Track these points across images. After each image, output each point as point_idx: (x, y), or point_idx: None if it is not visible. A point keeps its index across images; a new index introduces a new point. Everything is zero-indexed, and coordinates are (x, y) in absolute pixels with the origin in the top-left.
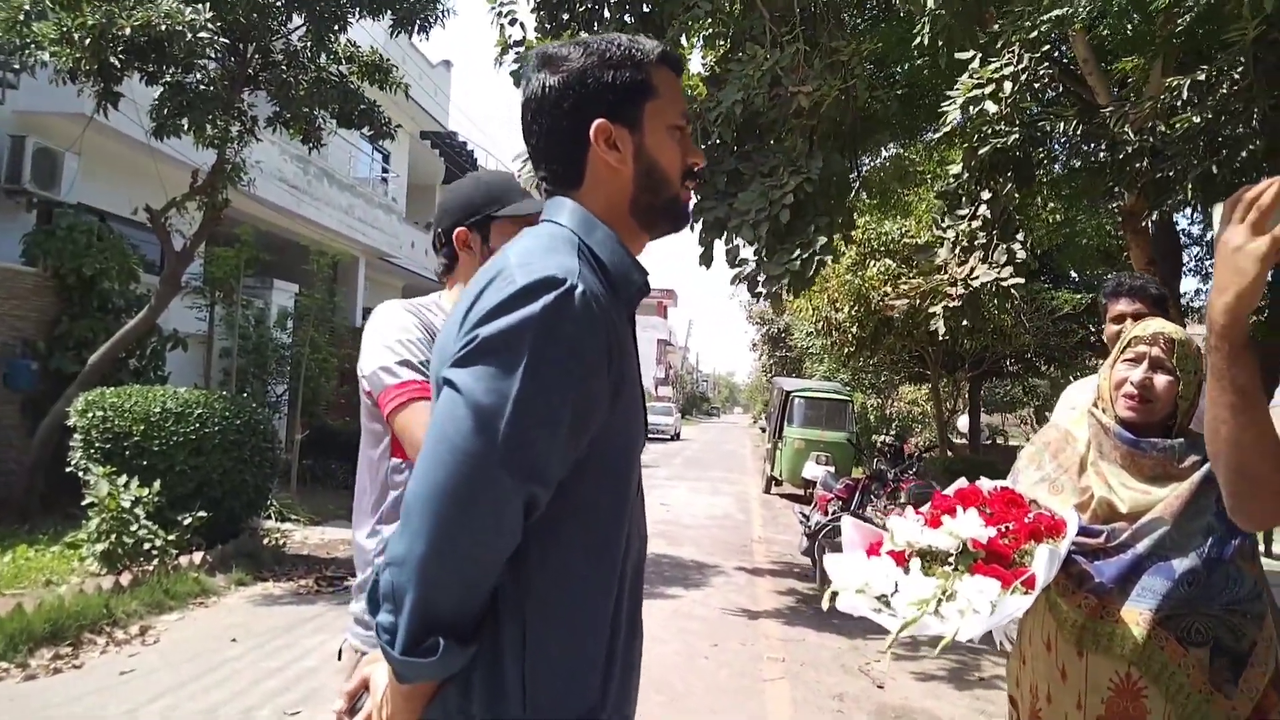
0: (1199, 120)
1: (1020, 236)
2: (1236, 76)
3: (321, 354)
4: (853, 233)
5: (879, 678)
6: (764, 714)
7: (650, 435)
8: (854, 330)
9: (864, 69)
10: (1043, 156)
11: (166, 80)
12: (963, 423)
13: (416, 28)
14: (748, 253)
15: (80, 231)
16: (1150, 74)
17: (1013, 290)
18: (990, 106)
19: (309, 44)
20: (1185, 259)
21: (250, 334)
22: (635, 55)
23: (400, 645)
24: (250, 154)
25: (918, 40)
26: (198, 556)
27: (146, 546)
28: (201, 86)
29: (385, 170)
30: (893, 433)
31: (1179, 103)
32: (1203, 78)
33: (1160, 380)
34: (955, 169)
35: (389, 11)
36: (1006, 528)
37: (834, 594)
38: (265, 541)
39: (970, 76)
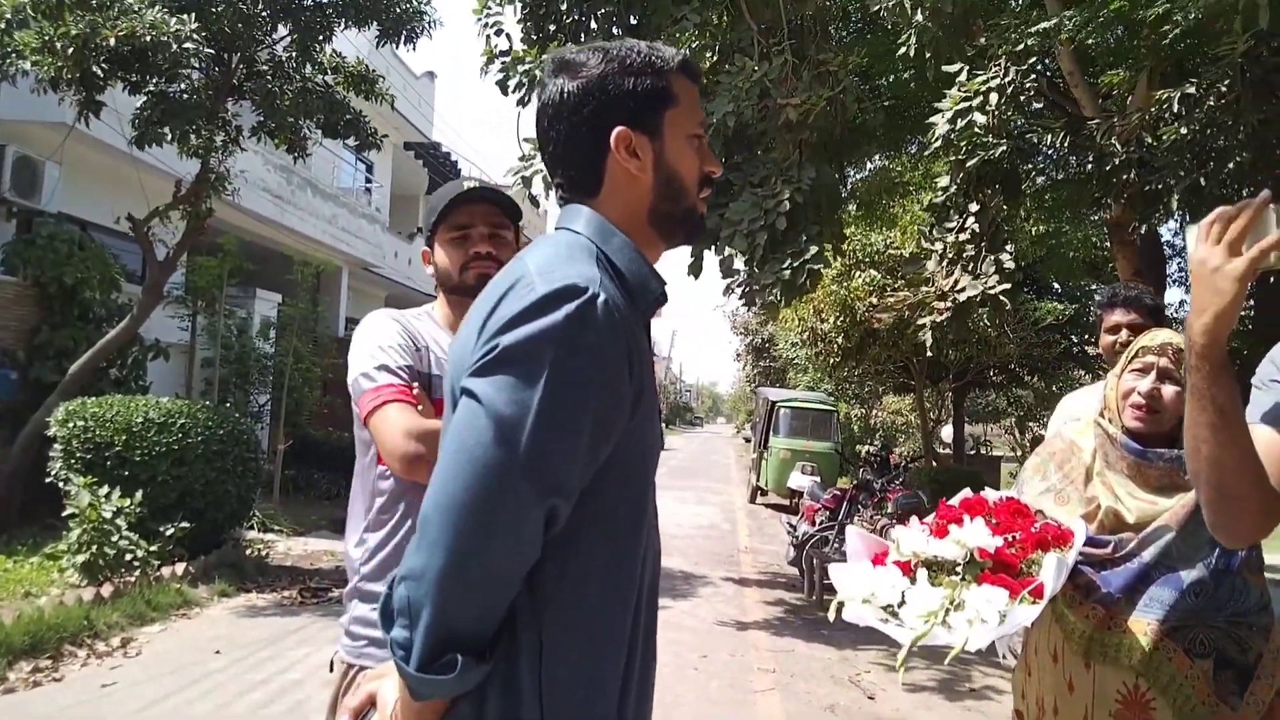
0: (1187, 133)
1: (1009, 248)
2: (1224, 90)
3: (304, 364)
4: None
5: (870, 689)
6: None
7: None
8: (839, 340)
9: (851, 81)
10: (1030, 169)
11: (150, 89)
12: (946, 433)
13: (403, 38)
14: (739, 263)
15: (61, 240)
16: (1136, 86)
17: (1002, 298)
18: (978, 118)
19: (294, 54)
20: (1170, 270)
21: (233, 344)
22: (656, 62)
23: (416, 661)
24: (234, 163)
25: (903, 52)
26: (180, 567)
27: (128, 557)
28: (185, 96)
29: (369, 181)
30: (877, 443)
31: (1167, 115)
32: (1192, 91)
33: (1168, 391)
34: (943, 181)
35: (375, 22)
36: (1013, 537)
37: (840, 604)
38: (248, 552)
39: (958, 89)
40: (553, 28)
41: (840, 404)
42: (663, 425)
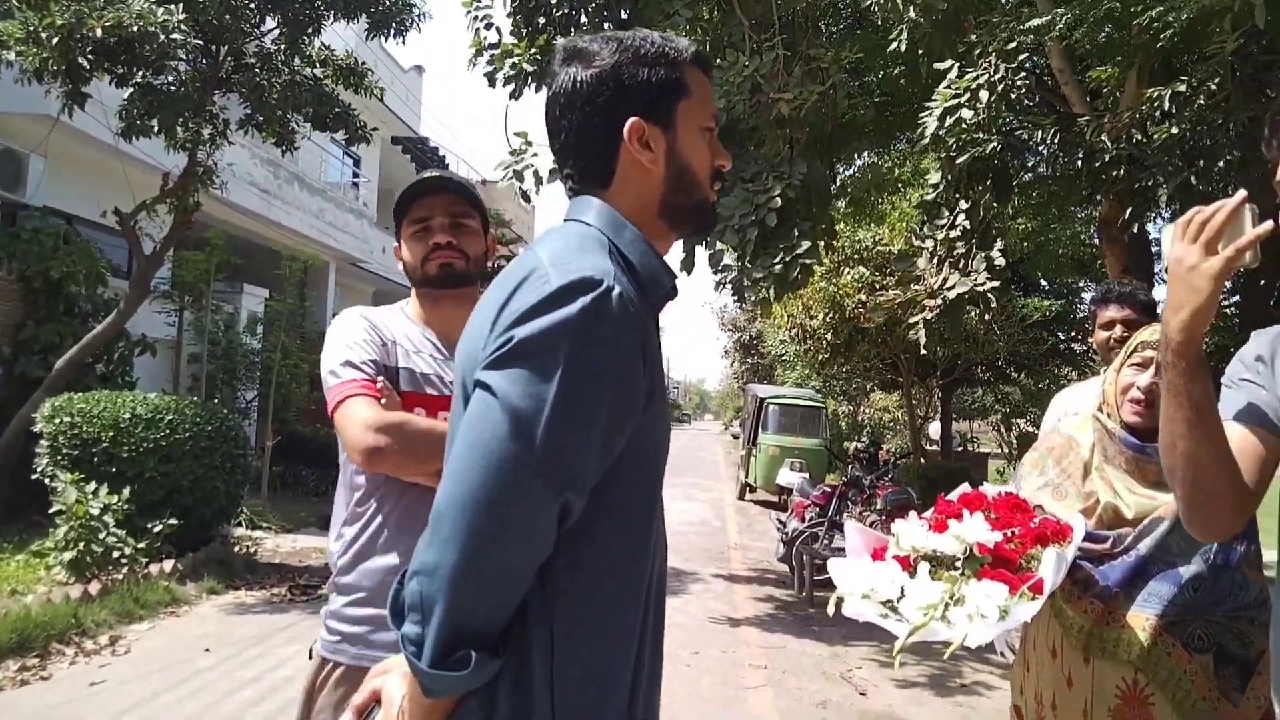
0: (1177, 132)
1: (1000, 245)
2: (1214, 88)
3: (292, 360)
4: (833, 240)
5: (861, 685)
6: None
7: None
8: (828, 337)
9: (841, 77)
10: (1019, 166)
11: (136, 82)
12: (934, 429)
13: (392, 31)
14: (729, 258)
15: (46, 234)
16: (1126, 84)
17: (990, 295)
18: (967, 114)
19: (283, 46)
20: (1159, 268)
21: (220, 339)
22: (670, 53)
23: (428, 657)
24: (221, 157)
25: (894, 48)
26: (168, 565)
27: (116, 555)
28: (172, 88)
29: (356, 175)
30: (865, 439)
31: (1157, 114)
32: (1182, 89)
33: None
34: (934, 178)
35: (364, 15)
36: (1013, 532)
37: (839, 599)
38: (237, 549)
39: (948, 87)
40: (542, 20)
41: (828, 401)
42: None
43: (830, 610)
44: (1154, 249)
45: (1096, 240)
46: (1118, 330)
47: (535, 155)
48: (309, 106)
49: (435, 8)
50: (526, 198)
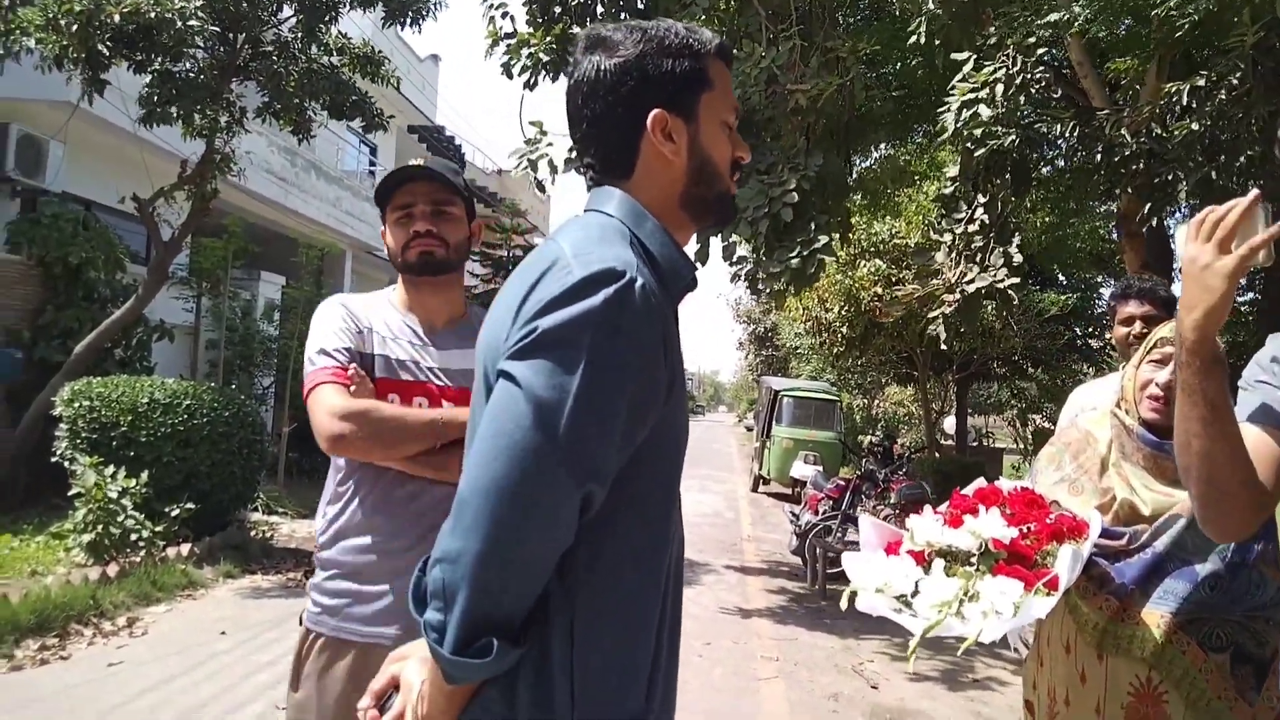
0: (1198, 126)
1: (1017, 239)
2: (1235, 82)
3: None
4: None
5: (873, 678)
6: (759, 714)
7: None
8: (844, 330)
9: (859, 68)
10: (1038, 159)
11: (155, 69)
12: (949, 424)
13: (408, 20)
14: (744, 250)
15: (66, 220)
16: (1145, 76)
17: (1010, 291)
18: (984, 110)
19: (300, 34)
20: (1177, 264)
21: (237, 326)
22: (694, 45)
23: (451, 644)
24: (239, 145)
25: (912, 40)
26: (185, 548)
27: (134, 538)
28: (190, 75)
29: (373, 163)
30: (879, 433)
31: (1178, 108)
32: (1202, 83)
33: None
34: (951, 171)
35: (380, 3)
36: (1028, 528)
37: (853, 593)
38: (253, 534)
39: (965, 81)
40: (558, 10)
41: (842, 394)
42: None
43: (843, 604)
44: (1173, 244)
45: (1115, 235)
46: (1137, 326)
47: (550, 145)
48: (326, 95)
49: None
50: (541, 188)
